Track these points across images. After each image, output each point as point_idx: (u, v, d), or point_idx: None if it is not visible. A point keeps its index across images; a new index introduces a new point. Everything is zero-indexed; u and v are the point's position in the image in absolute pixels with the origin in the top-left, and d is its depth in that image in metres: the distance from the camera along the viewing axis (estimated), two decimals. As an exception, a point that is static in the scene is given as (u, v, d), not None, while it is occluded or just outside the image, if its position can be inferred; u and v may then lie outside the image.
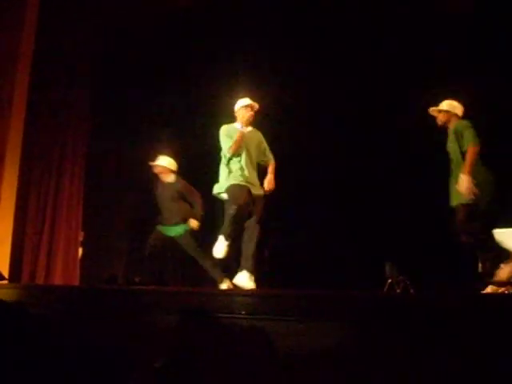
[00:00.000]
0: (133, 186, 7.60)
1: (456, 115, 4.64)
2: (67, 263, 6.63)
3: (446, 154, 4.69)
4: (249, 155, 4.74)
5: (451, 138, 4.57)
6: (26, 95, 6.26)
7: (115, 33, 7.00)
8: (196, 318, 2.80)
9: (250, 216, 4.52)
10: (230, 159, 4.68)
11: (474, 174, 4.31)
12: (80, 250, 6.91)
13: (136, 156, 7.55)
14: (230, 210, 4.41)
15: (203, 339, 2.84)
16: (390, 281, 6.29)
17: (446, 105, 4.69)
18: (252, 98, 4.95)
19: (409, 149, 6.17)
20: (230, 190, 4.55)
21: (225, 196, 4.66)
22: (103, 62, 7.28)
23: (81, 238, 6.93)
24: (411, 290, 6.09)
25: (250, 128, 4.94)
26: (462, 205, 4.36)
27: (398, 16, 5.81)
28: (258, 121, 4.98)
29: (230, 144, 4.63)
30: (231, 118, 5.00)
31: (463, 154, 4.45)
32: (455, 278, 5.63)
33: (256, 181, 4.74)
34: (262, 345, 2.68)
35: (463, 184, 4.27)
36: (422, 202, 6.05)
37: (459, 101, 4.69)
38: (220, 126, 4.85)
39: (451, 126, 4.62)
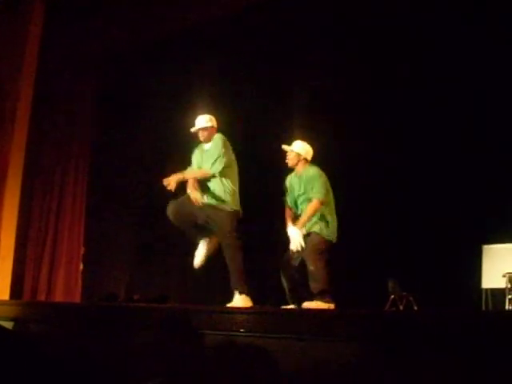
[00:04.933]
0: (135, 203, 7.59)
1: (305, 159, 4.49)
2: (69, 279, 6.60)
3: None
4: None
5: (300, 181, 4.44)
6: (29, 111, 6.25)
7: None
8: (194, 336, 2.77)
9: None
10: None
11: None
12: (80, 265, 6.88)
13: (139, 172, 7.55)
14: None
15: (201, 357, 2.81)
16: (392, 297, 6.24)
17: (298, 147, 4.49)
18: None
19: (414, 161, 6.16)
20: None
21: None
22: (107, 75, 7.21)
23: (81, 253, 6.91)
24: (415, 307, 6.04)
25: None
26: None
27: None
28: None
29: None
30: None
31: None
32: (458, 294, 5.58)
33: None
34: (261, 363, 2.64)
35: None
36: (424, 217, 6.01)
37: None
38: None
39: (300, 170, 4.47)
